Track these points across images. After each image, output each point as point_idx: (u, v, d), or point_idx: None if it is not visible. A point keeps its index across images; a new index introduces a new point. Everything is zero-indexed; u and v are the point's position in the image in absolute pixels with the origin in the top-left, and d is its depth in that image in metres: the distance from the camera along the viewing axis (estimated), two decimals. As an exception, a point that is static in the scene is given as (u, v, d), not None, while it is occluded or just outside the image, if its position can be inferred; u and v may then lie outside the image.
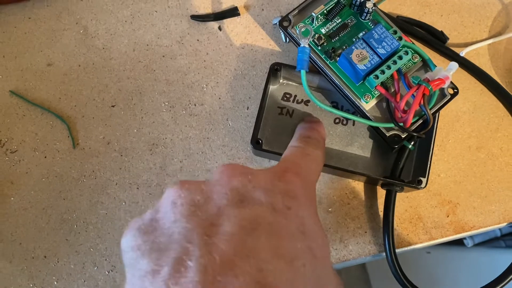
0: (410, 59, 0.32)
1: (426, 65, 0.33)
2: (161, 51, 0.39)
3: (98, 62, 0.39)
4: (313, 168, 0.26)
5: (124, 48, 0.39)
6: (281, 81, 0.36)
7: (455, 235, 0.35)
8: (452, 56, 0.38)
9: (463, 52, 0.38)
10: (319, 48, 0.34)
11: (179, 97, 0.38)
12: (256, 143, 0.34)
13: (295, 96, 0.36)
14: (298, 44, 0.34)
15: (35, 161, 0.36)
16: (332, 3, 0.34)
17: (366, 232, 0.35)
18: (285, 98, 0.36)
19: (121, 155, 0.37)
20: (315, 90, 0.36)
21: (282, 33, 0.35)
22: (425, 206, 0.36)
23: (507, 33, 0.39)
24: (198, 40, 0.39)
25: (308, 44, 0.31)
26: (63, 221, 0.35)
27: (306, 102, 0.36)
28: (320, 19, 0.34)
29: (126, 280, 0.18)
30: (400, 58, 0.31)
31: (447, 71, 0.31)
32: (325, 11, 0.34)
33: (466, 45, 0.39)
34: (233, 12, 0.39)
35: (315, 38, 0.34)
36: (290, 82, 0.36)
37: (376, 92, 0.32)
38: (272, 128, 0.35)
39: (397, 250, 0.34)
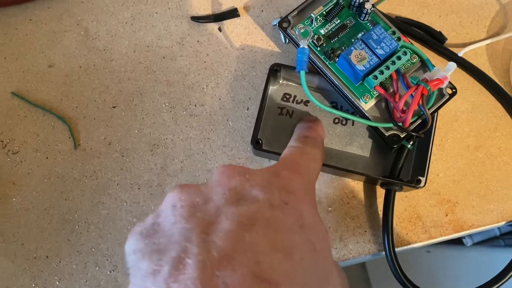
0: (408, 60, 0.33)
1: (424, 65, 0.33)
2: (161, 52, 0.39)
3: (99, 63, 0.39)
4: (311, 167, 0.26)
5: (125, 50, 0.39)
6: (280, 81, 0.36)
7: (454, 234, 0.36)
8: (450, 56, 0.38)
9: (461, 52, 0.38)
10: (319, 49, 0.34)
11: (180, 98, 0.38)
12: (256, 143, 0.34)
13: (295, 96, 0.36)
14: (298, 45, 0.34)
15: (36, 162, 0.37)
16: (331, 4, 0.35)
17: (365, 231, 0.35)
18: (285, 99, 0.36)
19: (122, 156, 0.37)
20: (315, 90, 0.36)
21: (281, 34, 0.36)
22: (424, 205, 0.36)
23: (505, 33, 0.39)
24: (198, 41, 0.39)
25: (308, 45, 0.32)
26: (64, 222, 0.36)
27: (306, 103, 0.36)
28: (319, 20, 0.35)
29: (130, 283, 0.18)
30: (399, 58, 0.31)
31: (446, 71, 0.31)
32: (324, 12, 0.35)
33: (464, 45, 0.39)
34: (233, 13, 0.39)
35: (314, 39, 0.34)
36: (290, 83, 0.36)
37: (375, 92, 0.32)
38: (272, 128, 0.35)
39: (396, 249, 0.34)
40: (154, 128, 0.37)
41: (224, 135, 0.37)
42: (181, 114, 0.38)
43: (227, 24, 0.40)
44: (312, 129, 0.31)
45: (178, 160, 0.37)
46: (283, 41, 0.38)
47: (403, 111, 0.31)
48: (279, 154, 0.32)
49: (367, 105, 0.33)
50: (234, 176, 0.21)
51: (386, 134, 0.32)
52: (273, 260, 0.17)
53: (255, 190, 0.21)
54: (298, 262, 0.18)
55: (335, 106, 0.36)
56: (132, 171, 0.37)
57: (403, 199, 0.36)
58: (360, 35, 0.34)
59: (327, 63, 0.34)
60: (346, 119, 0.36)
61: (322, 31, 0.34)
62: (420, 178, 0.33)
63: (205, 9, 0.40)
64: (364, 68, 0.31)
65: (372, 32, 0.31)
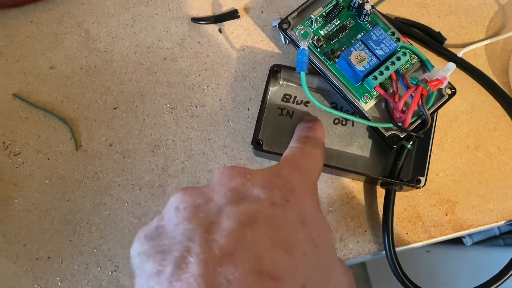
0: (408, 60, 0.33)
1: (424, 65, 0.33)
2: (162, 53, 0.39)
3: (100, 64, 0.39)
4: (312, 165, 0.27)
5: (126, 51, 0.39)
6: (281, 82, 0.36)
7: (454, 233, 0.36)
8: (449, 56, 0.38)
9: (460, 53, 0.38)
10: (318, 50, 0.34)
11: (181, 99, 0.38)
12: (257, 144, 0.34)
13: (295, 97, 0.36)
14: (298, 46, 0.34)
15: (38, 163, 0.37)
16: (331, 5, 0.35)
17: (366, 231, 0.36)
18: (285, 99, 0.36)
19: (124, 157, 0.37)
20: (315, 91, 0.37)
21: (281, 35, 0.36)
22: (424, 205, 0.36)
23: (504, 33, 0.39)
24: (198, 42, 0.39)
25: (308, 46, 0.32)
26: (66, 222, 0.36)
27: (306, 103, 0.36)
28: (319, 21, 0.35)
29: (135, 285, 0.19)
30: (398, 59, 0.31)
31: (445, 71, 0.31)
32: (324, 13, 0.35)
33: (464, 45, 0.39)
34: (233, 14, 0.40)
35: (314, 40, 0.34)
36: (290, 84, 0.37)
37: (375, 93, 0.33)
38: (273, 129, 0.36)
39: (396, 249, 0.34)
40: (155, 129, 0.38)
41: (225, 135, 0.37)
42: (182, 115, 0.38)
43: (227, 25, 0.40)
44: (312, 129, 0.31)
45: (179, 161, 0.37)
46: (283, 42, 0.38)
47: (403, 112, 0.31)
48: (280, 154, 0.32)
49: (367, 105, 0.33)
50: (235, 176, 0.22)
51: (386, 134, 0.32)
52: (274, 256, 0.18)
53: (256, 189, 0.21)
54: (300, 258, 0.18)
55: (335, 107, 0.36)
56: (133, 172, 0.37)
57: (403, 199, 0.36)
58: (359, 36, 0.34)
59: (327, 64, 0.34)
60: (346, 120, 0.36)
61: (322, 32, 0.35)
62: (420, 178, 0.33)
63: (206, 11, 0.40)
64: (363, 69, 0.31)
65: (371, 33, 0.32)
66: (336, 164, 0.34)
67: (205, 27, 0.40)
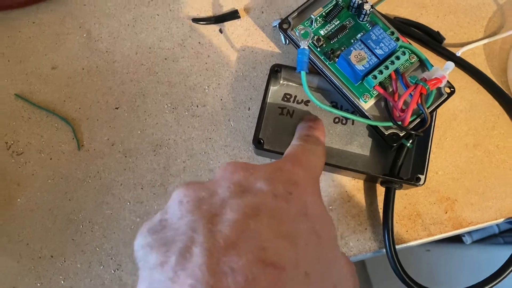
0: (407, 59, 0.33)
1: (423, 65, 0.34)
2: (163, 53, 0.40)
3: (101, 65, 0.39)
4: (313, 161, 0.27)
5: (127, 51, 0.40)
6: (281, 82, 0.37)
7: (454, 231, 0.36)
8: (448, 56, 0.38)
9: (459, 52, 0.38)
10: (318, 49, 0.34)
11: (182, 98, 0.38)
12: (257, 143, 0.34)
13: (295, 96, 0.37)
14: (298, 46, 0.35)
15: (40, 163, 0.37)
16: (331, 5, 0.35)
17: (366, 229, 0.36)
18: (285, 99, 0.37)
19: (125, 156, 0.37)
20: (315, 90, 0.37)
21: (281, 35, 0.36)
22: (424, 203, 0.36)
23: (502, 33, 0.39)
24: (199, 42, 0.40)
25: (308, 46, 0.32)
26: (69, 222, 0.36)
27: (306, 102, 0.36)
28: (319, 21, 0.35)
29: (139, 277, 0.19)
30: (398, 58, 0.32)
31: (444, 70, 0.31)
32: (323, 13, 0.35)
33: (462, 45, 0.39)
34: (233, 15, 0.40)
35: (314, 40, 0.35)
36: (290, 83, 0.37)
37: (375, 92, 0.33)
38: (273, 128, 0.36)
39: (397, 247, 0.35)
40: (157, 128, 0.38)
41: (226, 135, 0.38)
42: (183, 115, 0.38)
43: (228, 25, 0.40)
44: (313, 128, 0.32)
45: (180, 160, 0.37)
46: (283, 42, 0.39)
47: (402, 110, 0.32)
48: (281, 153, 0.33)
49: (367, 104, 0.33)
50: (238, 170, 0.22)
51: (386, 133, 0.33)
52: (278, 246, 0.18)
53: (259, 182, 0.21)
54: (303, 248, 0.19)
55: (335, 106, 0.36)
56: (135, 171, 0.37)
57: (402, 197, 0.36)
58: (359, 35, 0.35)
59: (327, 63, 0.34)
60: (346, 119, 0.36)
61: (322, 32, 0.35)
62: (420, 176, 0.33)
63: (206, 11, 0.41)
64: (363, 68, 0.31)
65: (371, 33, 0.32)
66: (336, 163, 0.34)
67: (206, 27, 0.40)
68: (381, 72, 0.32)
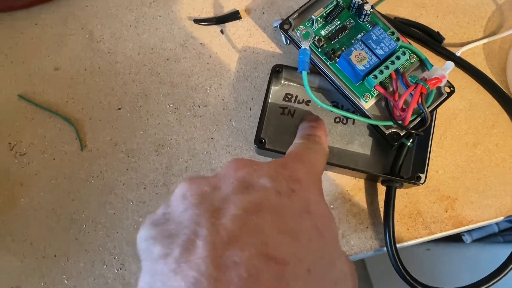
0: (407, 59, 0.33)
1: (423, 64, 0.34)
2: (165, 54, 0.40)
3: (104, 66, 0.40)
4: (316, 159, 0.27)
5: (129, 52, 0.40)
6: (282, 82, 0.37)
7: (454, 229, 0.36)
8: (448, 55, 0.39)
9: (459, 52, 0.39)
10: (319, 49, 0.35)
11: (184, 99, 0.39)
12: (259, 143, 0.35)
13: (296, 96, 0.37)
14: (299, 46, 0.35)
15: (44, 163, 0.37)
16: (331, 6, 0.35)
17: (367, 227, 0.36)
18: (286, 99, 0.37)
19: (128, 156, 0.38)
20: (316, 90, 0.37)
21: (282, 35, 0.36)
22: (424, 201, 0.37)
23: (501, 32, 0.40)
24: (201, 43, 0.40)
25: (309, 46, 0.32)
26: (72, 221, 0.36)
27: (307, 102, 0.37)
28: (320, 22, 0.35)
29: (142, 271, 0.19)
30: (398, 58, 0.32)
31: (444, 70, 0.32)
32: (324, 14, 0.35)
33: (462, 44, 0.40)
34: (234, 15, 0.40)
35: (315, 40, 0.35)
36: (291, 83, 0.37)
37: (375, 92, 0.33)
38: (275, 128, 0.36)
39: (397, 245, 0.35)
40: (159, 128, 0.38)
41: (228, 135, 0.38)
42: (185, 115, 0.38)
43: (229, 26, 0.40)
44: (315, 127, 0.32)
45: (182, 160, 0.38)
46: (284, 43, 0.39)
47: (403, 110, 0.32)
48: (282, 152, 0.33)
49: (368, 104, 0.33)
50: (242, 167, 0.22)
51: (386, 132, 0.33)
52: (281, 241, 0.18)
53: (263, 179, 0.21)
54: (306, 244, 0.19)
55: (336, 106, 0.37)
56: (138, 171, 0.37)
57: (403, 196, 0.37)
58: (360, 36, 0.35)
59: (328, 63, 0.34)
60: (347, 118, 0.36)
61: (322, 33, 0.35)
62: (420, 175, 0.33)
63: (207, 12, 0.41)
64: (364, 68, 0.32)
65: (371, 33, 0.32)
66: (337, 162, 0.35)
67: (207, 28, 0.40)
68: (381, 72, 0.32)
